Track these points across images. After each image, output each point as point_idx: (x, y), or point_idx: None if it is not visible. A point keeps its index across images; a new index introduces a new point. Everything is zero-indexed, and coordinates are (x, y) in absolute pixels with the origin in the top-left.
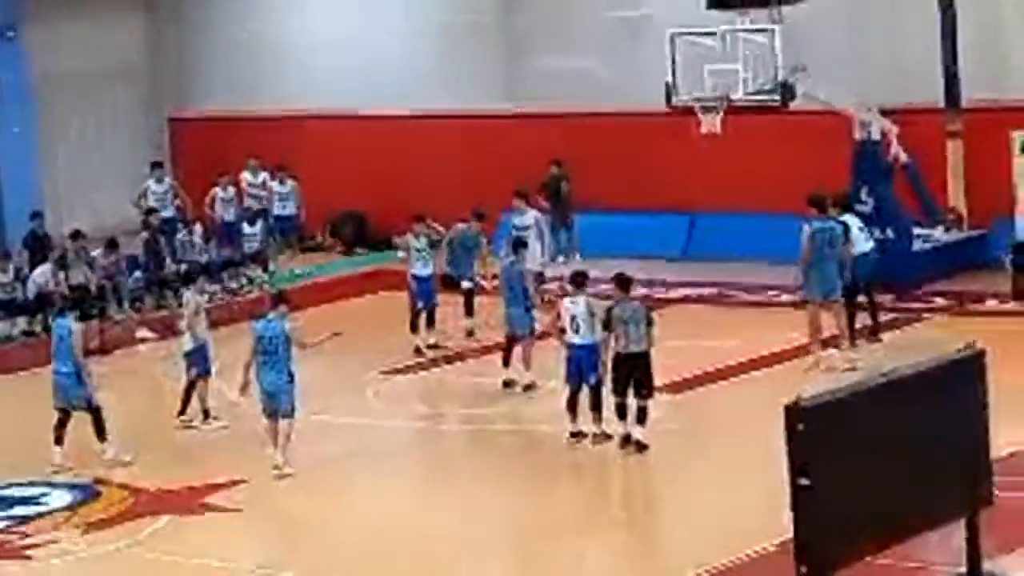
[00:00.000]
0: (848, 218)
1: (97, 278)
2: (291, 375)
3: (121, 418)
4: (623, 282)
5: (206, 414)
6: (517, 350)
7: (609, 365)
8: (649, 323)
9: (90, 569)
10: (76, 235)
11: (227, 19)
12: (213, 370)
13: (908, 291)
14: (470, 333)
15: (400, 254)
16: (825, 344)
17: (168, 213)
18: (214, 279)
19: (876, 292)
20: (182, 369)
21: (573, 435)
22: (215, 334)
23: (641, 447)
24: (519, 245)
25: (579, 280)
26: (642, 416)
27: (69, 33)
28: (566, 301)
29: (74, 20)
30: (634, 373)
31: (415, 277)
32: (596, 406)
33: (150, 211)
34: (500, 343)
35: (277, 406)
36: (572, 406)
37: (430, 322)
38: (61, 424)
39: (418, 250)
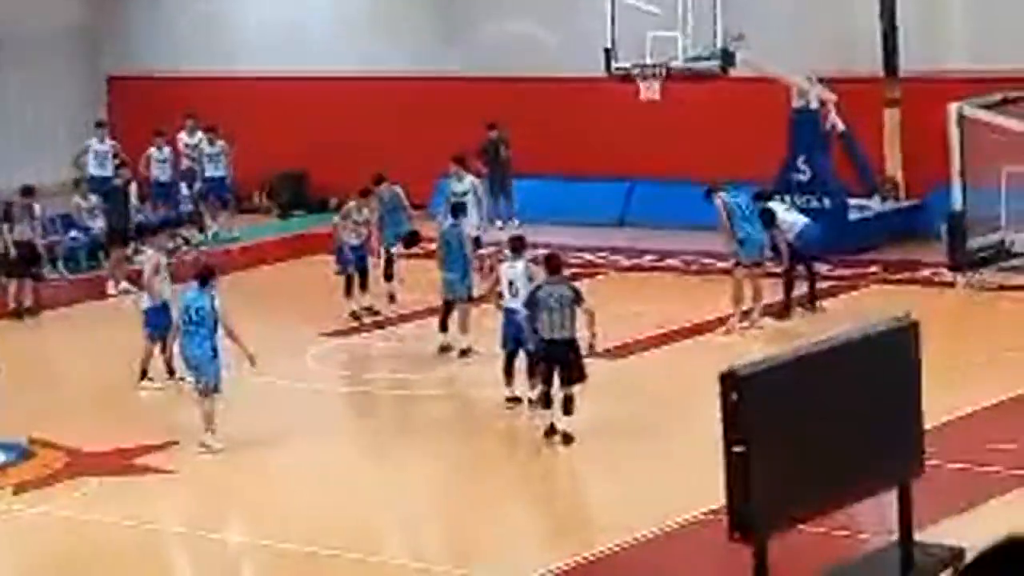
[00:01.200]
0: (771, 205)
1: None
2: (215, 348)
3: (57, 377)
4: (553, 263)
5: (143, 374)
6: (454, 315)
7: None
8: (576, 303)
9: (22, 528)
10: (27, 191)
11: None
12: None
13: (844, 260)
14: (392, 299)
15: (336, 219)
16: (744, 315)
17: (107, 172)
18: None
19: (814, 263)
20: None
21: (509, 400)
22: None
23: (567, 439)
24: (458, 210)
25: (517, 244)
26: (568, 405)
27: None
28: (504, 265)
29: None
30: (559, 360)
31: (349, 246)
32: (532, 372)
33: (120, 165)
34: (438, 307)
35: (202, 378)
36: (508, 371)
37: (363, 286)
38: None
39: (356, 222)
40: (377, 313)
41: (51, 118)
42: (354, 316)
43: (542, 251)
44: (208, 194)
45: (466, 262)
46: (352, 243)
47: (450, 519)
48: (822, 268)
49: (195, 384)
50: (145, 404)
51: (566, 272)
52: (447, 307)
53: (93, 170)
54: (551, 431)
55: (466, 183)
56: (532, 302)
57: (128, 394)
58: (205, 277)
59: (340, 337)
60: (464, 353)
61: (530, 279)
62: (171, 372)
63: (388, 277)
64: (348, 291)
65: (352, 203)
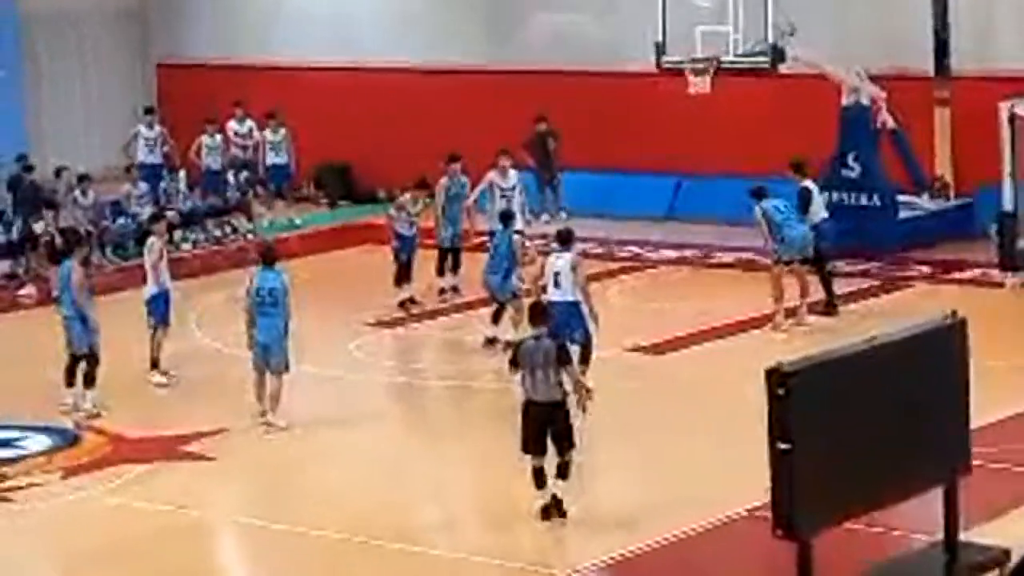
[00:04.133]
0: (809, 184)
1: (84, 221)
2: (287, 328)
3: (104, 364)
4: (537, 312)
5: (154, 363)
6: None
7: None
8: (560, 363)
9: (69, 513)
10: (60, 171)
11: None
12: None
13: (892, 258)
14: (442, 292)
15: (392, 210)
16: (788, 314)
17: (156, 160)
18: (199, 227)
19: (831, 263)
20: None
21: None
22: (198, 282)
23: (561, 511)
24: (508, 217)
25: (566, 236)
26: (563, 470)
27: None
28: (551, 257)
29: None
30: (547, 426)
31: (400, 235)
32: (585, 359)
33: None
34: (485, 298)
35: (272, 359)
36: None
37: (408, 278)
38: (72, 367)
39: (410, 213)
40: (420, 304)
41: (100, 103)
42: (402, 306)
43: (586, 244)
44: (268, 182)
45: (510, 266)
46: (405, 234)
47: (493, 512)
48: (872, 265)
49: (262, 363)
50: (189, 391)
51: (616, 265)
52: (500, 306)
53: (142, 157)
54: (547, 512)
55: (512, 178)
56: (514, 358)
57: (172, 381)
58: (273, 258)
59: (387, 327)
60: (509, 345)
61: (574, 270)
62: (154, 363)
63: (455, 268)
64: (399, 281)
65: (407, 195)
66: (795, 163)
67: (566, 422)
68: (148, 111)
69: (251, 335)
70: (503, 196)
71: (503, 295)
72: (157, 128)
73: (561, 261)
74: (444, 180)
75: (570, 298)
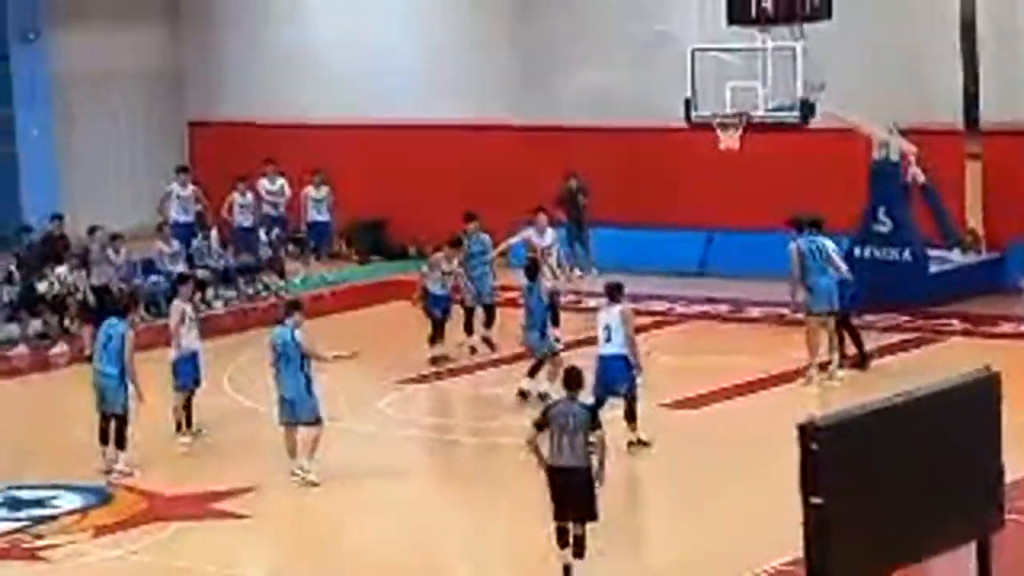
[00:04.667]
0: (823, 240)
1: (116, 278)
2: (309, 381)
3: (138, 422)
4: (571, 376)
5: (178, 426)
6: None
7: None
8: (592, 429)
9: (102, 572)
10: (93, 230)
11: (249, 26)
12: (203, 381)
13: (924, 312)
14: (472, 350)
15: (424, 268)
16: (820, 368)
17: (189, 218)
18: (231, 285)
19: (853, 319)
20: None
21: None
22: (230, 340)
23: None
24: (534, 270)
25: (614, 290)
26: (579, 547)
27: (92, 36)
28: (600, 311)
29: (97, 23)
30: (569, 493)
31: (432, 294)
32: (631, 415)
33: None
34: (518, 353)
35: (299, 414)
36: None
37: (441, 336)
38: (104, 425)
39: (444, 272)
40: (452, 360)
41: (133, 162)
42: (434, 362)
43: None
44: (308, 238)
45: (544, 321)
46: (437, 293)
47: (524, 568)
48: (901, 319)
49: (290, 419)
50: (221, 449)
51: (648, 320)
52: (539, 362)
53: (175, 215)
54: (568, 572)
55: (548, 237)
56: (542, 421)
57: (205, 439)
58: (286, 312)
59: (419, 383)
60: (543, 397)
61: (624, 323)
62: (188, 423)
63: (489, 322)
64: (433, 339)
65: (440, 253)
66: (795, 221)
67: (589, 490)
68: (182, 170)
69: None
70: (533, 256)
71: (540, 352)
72: (191, 187)
73: (611, 315)
74: (464, 240)
75: (621, 351)
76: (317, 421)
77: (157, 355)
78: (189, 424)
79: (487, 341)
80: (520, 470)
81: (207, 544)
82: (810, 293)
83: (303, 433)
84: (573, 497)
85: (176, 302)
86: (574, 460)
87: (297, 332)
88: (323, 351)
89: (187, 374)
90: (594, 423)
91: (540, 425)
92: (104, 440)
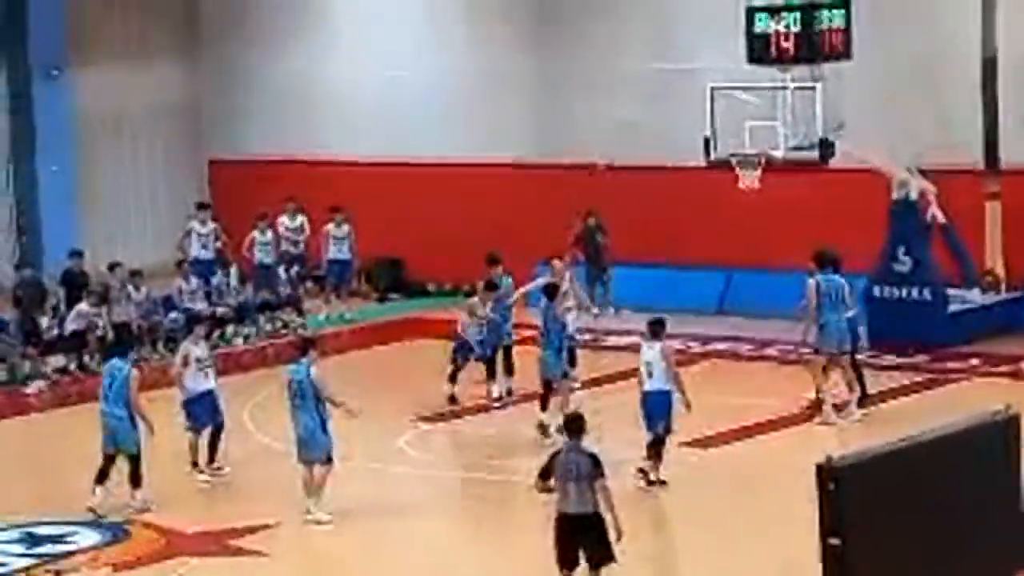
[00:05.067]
0: (839, 280)
1: (136, 316)
2: (323, 420)
3: (155, 458)
4: (573, 425)
5: (194, 463)
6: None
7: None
8: (594, 478)
9: None
10: (134, 274)
11: (268, 64)
12: (224, 420)
13: (943, 352)
14: (498, 399)
15: (464, 315)
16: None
17: (209, 255)
18: (251, 322)
19: (858, 357)
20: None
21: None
22: (250, 377)
23: None
24: (552, 290)
25: (656, 327)
26: None
27: (112, 74)
28: (642, 348)
29: (117, 61)
30: (578, 540)
31: (465, 342)
32: (658, 454)
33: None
34: (536, 392)
35: (311, 452)
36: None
37: (493, 372)
38: (106, 466)
39: (480, 317)
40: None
41: (153, 199)
42: (452, 400)
43: (636, 337)
44: (327, 276)
45: (560, 341)
46: (474, 339)
47: None
48: (921, 359)
49: (302, 457)
50: (240, 487)
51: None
52: (546, 387)
53: (195, 252)
54: None
55: (564, 282)
56: (547, 469)
57: (224, 477)
58: (302, 349)
59: (436, 422)
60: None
61: (665, 360)
62: (211, 460)
63: (509, 371)
64: (453, 377)
65: (476, 299)
66: (835, 259)
67: (601, 535)
68: (202, 207)
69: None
70: (549, 282)
71: (553, 372)
72: (211, 224)
73: (652, 351)
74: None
75: (664, 387)
76: (328, 460)
77: (172, 392)
78: (212, 461)
79: (508, 391)
80: (533, 509)
81: None
82: (821, 331)
83: (314, 472)
84: (587, 542)
85: (184, 343)
86: (582, 507)
87: (313, 369)
88: (333, 394)
89: (198, 414)
90: (597, 470)
91: (544, 475)
92: (101, 479)
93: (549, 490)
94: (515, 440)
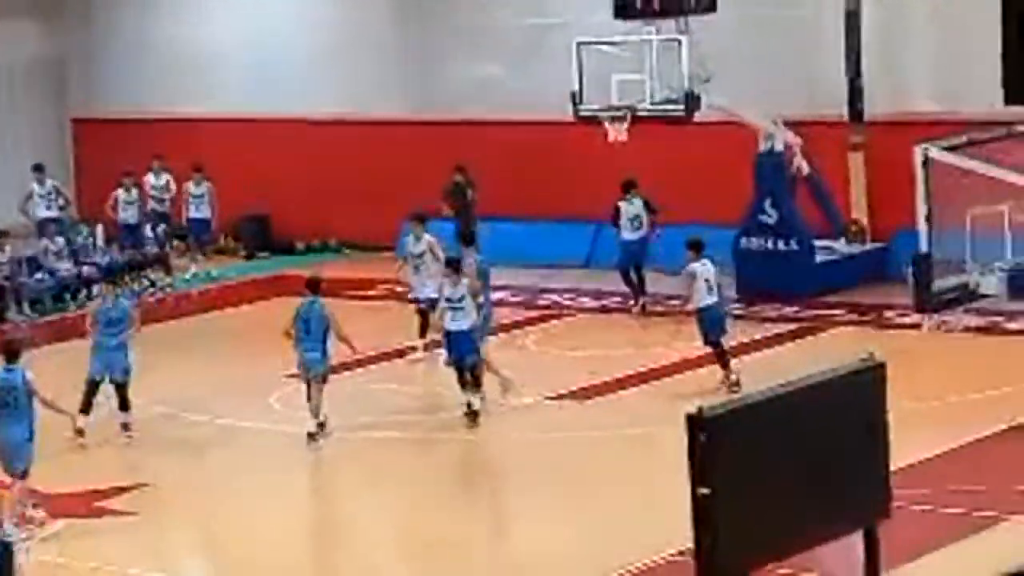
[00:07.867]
0: (699, 266)
1: (1, 276)
2: (31, 431)
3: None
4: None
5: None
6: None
7: None
8: None
9: None
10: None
11: (132, 22)
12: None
13: (810, 302)
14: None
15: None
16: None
17: (52, 214)
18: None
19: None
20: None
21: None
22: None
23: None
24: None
25: (699, 245)
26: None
27: None
28: (697, 265)
29: None
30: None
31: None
32: (725, 362)
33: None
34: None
35: (13, 463)
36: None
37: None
38: None
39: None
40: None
41: (16, 159)
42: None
43: (505, 292)
44: (188, 235)
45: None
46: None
47: (412, 562)
48: (789, 309)
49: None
50: (105, 447)
51: (535, 313)
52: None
53: (41, 213)
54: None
55: (423, 244)
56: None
57: (90, 437)
58: (12, 354)
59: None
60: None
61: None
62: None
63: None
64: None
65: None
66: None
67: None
68: (36, 168)
69: None
70: (414, 264)
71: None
72: (49, 183)
73: (707, 268)
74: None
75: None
76: (24, 474)
77: (45, 352)
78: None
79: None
80: (400, 464)
81: (93, 542)
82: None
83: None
84: None
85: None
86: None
87: (27, 375)
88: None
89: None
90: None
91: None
92: None
93: None
94: (393, 395)
